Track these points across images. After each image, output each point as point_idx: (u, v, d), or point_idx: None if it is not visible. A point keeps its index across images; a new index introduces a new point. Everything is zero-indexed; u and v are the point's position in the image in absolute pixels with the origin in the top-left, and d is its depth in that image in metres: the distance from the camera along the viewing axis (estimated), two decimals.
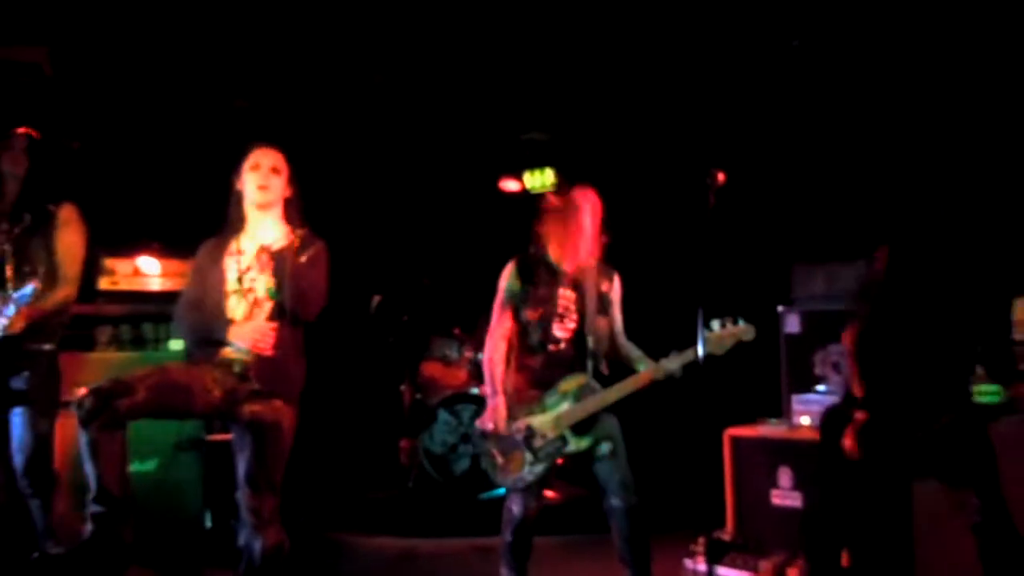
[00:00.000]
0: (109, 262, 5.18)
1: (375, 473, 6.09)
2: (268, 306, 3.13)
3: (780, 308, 4.54)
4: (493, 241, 6.28)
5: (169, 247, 5.36)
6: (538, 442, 3.32)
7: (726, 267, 4.79)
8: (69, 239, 3.67)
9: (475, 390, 5.64)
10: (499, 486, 3.48)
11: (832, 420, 3.21)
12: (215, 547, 4.66)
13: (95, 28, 4.45)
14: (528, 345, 3.43)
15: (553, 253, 3.45)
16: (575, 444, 3.30)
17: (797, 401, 4.31)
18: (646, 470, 5.30)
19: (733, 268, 5.13)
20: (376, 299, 6.03)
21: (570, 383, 3.35)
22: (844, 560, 3.80)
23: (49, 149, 3.77)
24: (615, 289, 3.51)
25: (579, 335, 3.39)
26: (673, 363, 3.26)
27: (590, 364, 3.38)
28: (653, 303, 3.43)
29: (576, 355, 3.39)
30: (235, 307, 3.15)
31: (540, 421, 3.32)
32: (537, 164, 6.41)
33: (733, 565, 4.06)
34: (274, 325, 3.04)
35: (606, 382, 3.38)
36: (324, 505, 5.46)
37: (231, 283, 3.16)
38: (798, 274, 4.64)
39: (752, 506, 4.23)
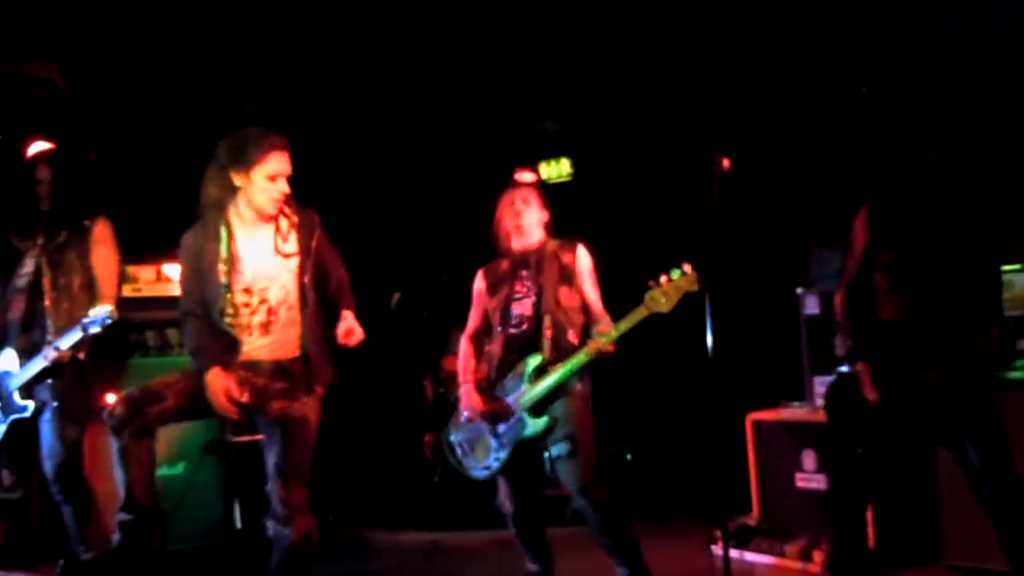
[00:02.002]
0: (132, 269, 5.24)
1: (400, 468, 6.13)
2: (286, 314, 3.13)
3: (799, 290, 4.50)
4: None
5: None
6: (500, 427, 3.39)
7: (743, 250, 4.78)
8: (106, 257, 3.74)
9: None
10: (472, 477, 3.54)
11: (836, 394, 3.18)
12: (246, 547, 4.73)
13: (107, 40, 4.50)
14: (492, 332, 3.53)
15: (506, 240, 3.56)
16: (532, 426, 3.32)
17: (819, 383, 4.27)
18: (670, 457, 5.33)
19: (751, 250, 5.11)
20: (396, 296, 6.06)
21: (526, 364, 3.37)
22: (870, 541, 3.81)
23: (70, 163, 3.83)
24: (579, 260, 3.50)
25: (539, 313, 3.41)
26: (614, 328, 3.24)
27: (546, 342, 3.36)
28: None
29: (537, 334, 3.39)
30: (247, 316, 3.09)
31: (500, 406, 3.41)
32: (552, 154, 6.40)
33: (759, 550, 4.05)
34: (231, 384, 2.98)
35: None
36: (350, 501, 5.51)
37: (239, 295, 3.08)
38: (816, 255, 4.60)
39: (777, 490, 4.21)
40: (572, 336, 3.41)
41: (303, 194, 6.05)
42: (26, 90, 4.67)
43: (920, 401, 2.93)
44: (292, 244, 3.16)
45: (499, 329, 3.50)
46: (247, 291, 3.08)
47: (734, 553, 3.99)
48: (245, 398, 3.03)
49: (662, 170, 5.62)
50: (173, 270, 5.33)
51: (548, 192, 3.78)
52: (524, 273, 3.51)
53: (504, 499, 3.45)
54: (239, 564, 4.56)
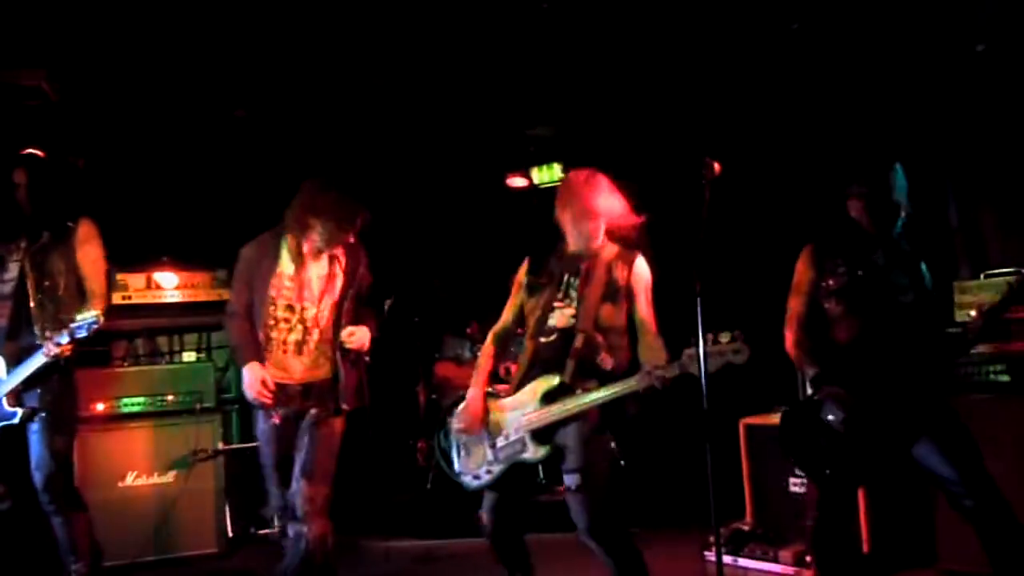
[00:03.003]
0: (121, 277, 5.23)
1: (393, 475, 6.11)
2: (319, 336, 3.49)
3: None
4: (502, 238, 6.28)
5: (178, 259, 5.40)
6: (500, 441, 3.13)
7: (734, 254, 4.77)
8: (92, 255, 3.73)
9: (489, 389, 5.63)
10: (461, 482, 3.28)
11: (789, 428, 3.17)
12: (237, 554, 4.71)
13: (95, 46, 4.47)
14: (527, 336, 3.22)
15: (566, 239, 3.25)
16: (532, 452, 3.03)
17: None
18: (663, 462, 5.31)
19: (744, 256, 5.10)
20: (388, 301, 6.04)
21: (541, 384, 3.05)
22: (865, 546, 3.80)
23: (54, 170, 3.80)
24: (635, 275, 3.13)
25: (573, 328, 3.08)
26: (647, 379, 2.91)
27: (571, 362, 3.02)
28: (664, 297, 3.36)
29: (565, 351, 3.05)
30: (284, 333, 3.47)
31: (507, 419, 3.13)
32: (544, 159, 6.39)
33: (752, 555, 4.04)
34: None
35: (612, 379, 3.03)
36: (342, 508, 5.47)
37: (281, 310, 3.49)
38: None
39: (770, 495, 4.21)
40: (604, 360, 3.05)
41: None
42: (14, 99, 4.65)
43: (887, 416, 2.93)
44: (339, 275, 3.56)
45: (531, 338, 3.17)
46: (289, 307, 3.48)
47: (727, 558, 3.99)
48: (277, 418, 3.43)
49: (653, 174, 5.61)
50: (163, 278, 5.32)
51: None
52: (571, 280, 3.15)
53: (484, 511, 3.19)
54: (230, 571, 4.54)
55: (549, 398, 3.04)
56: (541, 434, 3.04)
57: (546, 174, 6.40)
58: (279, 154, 6.05)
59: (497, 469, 3.13)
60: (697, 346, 2.83)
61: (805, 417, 3.07)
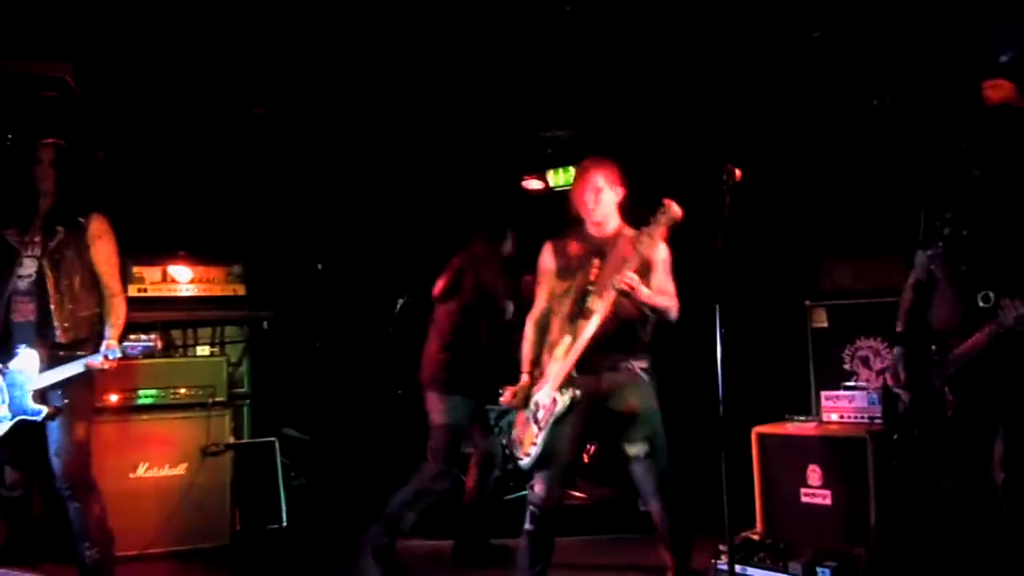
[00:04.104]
0: (137, 269, 5.26)
1: (403, 475, 6.10)
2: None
3: (808, 303, 4.48)
4: (517, 240, 6.25)
5: (194, 253, 5.43)
6: (540, 413, 3.35)
7: (753, 261, 4.75)
8: (106, 251, 3.75)
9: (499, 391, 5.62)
10: (521, 465, 3.47)
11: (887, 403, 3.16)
12: (246, 548, 4.71)
13: (117, 41, 4.50)
14: (560, 319, 3.38)
15: (584, 223, 3.46)
16: (562, 403, 3.27)
17: (826, 397, 4.25)
18: (675, 470, 5.29)
19: (760, 262, 5.08)
20: (401, 300, 6.05)
21: (562, 345, 3.31)
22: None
23: (75, 160, 3.82)
24: (656, 250, 3.32)
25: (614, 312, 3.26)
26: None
27: (611, 337, 3.23)
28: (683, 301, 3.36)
29: (617, 330, 3.26)
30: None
31: (542, 393, 3.36)
32: (561, 162, 6.38)
33: (763, 565, 4.01)
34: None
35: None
36: (353, 506, 5.48)
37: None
38: (826, 268, 4.58)
39: (781, 505, 4.18)
40: (642, 335, 3.35)
41: (313, 199, 6.05)
42: (33, 90, 4.68)
43: (942, 396, 2.87)
44: None
45: (565, 322, 3.35)
46: None
47: (737, 568, 3.96)
48: None
49: (672, 179, 5.60)
50: (179, 271, 5.35)
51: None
52: (598, 262, 3.35)
53: (537, 480, 3.36)
54: (240, 565, 4.55)
55: (564, 353, 3.30)
56: (567, 382, 3.28)
57: (562, 177, 6.39)
58: (297, 152, 6.08)
59: (542, 437, 3.32)
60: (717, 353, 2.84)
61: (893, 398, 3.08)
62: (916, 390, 2.95)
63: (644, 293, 3.18)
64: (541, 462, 3.36)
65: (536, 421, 3.37)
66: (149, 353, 3.60)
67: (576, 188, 3.45)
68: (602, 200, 3.40)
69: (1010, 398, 2.83)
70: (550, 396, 3.32)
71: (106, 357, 3.51)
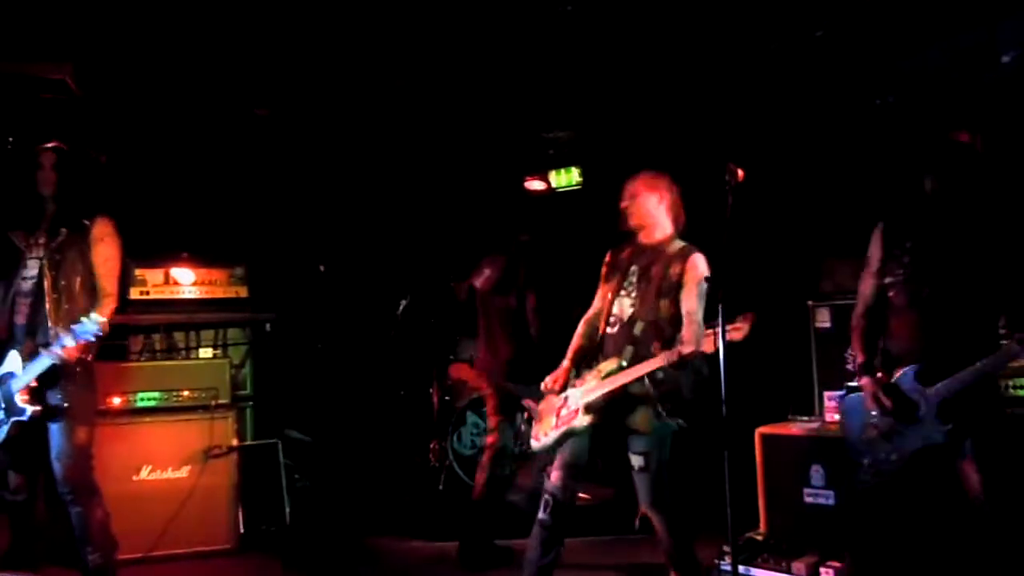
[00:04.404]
0: (139, 271, 5.27)
1: (406, 477, 6.11)
2: None
3: (810, 303, 4.47)
4: (518, 241, 6.24)
5: (196, 255, 5.42)
6: (564, 410, 3.44)
7: (755, 261, 4.75)
8: (106, 253, 3.73)
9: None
10: (531, 446, 3.61)
11: (846, 412, 3.16)
12: (249, 550, 4.72)
13: (118, 42, 4.50)
14: (602, 322, 3.51)
15: (636, 234, 3.54)
16: (579, 421, 3.37)
17: (829, 398, 4.24)
18: (677, 470, 5.29)
19: (763, 262, 5.07)
20: (403, 303, 6.04)
21: (606, 365, 3.36)
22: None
23: (77, 163, 3.82)
24: (689, 270, 3.34)
25: (633, 318, 3.38)
26: (660, 360, 3.19)
27: (630, 348, 3.32)
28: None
29: (626, 338, 3.36)
30: None
31: (574, 393, 3.45)
32: (562, 163, 6.38)
33: (766, 566, 4.00)
34: None
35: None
36: (355, 508, 5.49)
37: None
38: (828, 268, 4.57)
39: (784, 505, 4.17)
40: (655, 349, 3.30)
41: (314, 200, 6.05)
42: (34, 92, 4.68)
43: (923, 419, 2.89)
44: None
45: (604, 324, 3.47)
46: None
47: (740, 569, 3.95)
48: None
49: (674, 180, 5.60)
50: (181, 273, 5.35)
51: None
52: (635, 270, 3.46)
53: (555, 468, 3.43)
54: (242, 568, 4.55)
55: (605, 377, 3.36)
56: (591, 407, 3.35)
57: (564, 178, 6.39)
58: (299, 154, 6.08)
59: (554, 435, 3.45)
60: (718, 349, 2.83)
61: (856, 407, 3.08)
62: (899, 416, 2.95)
63: (707, 351, 3.22)
64: (551, 453, 3.49)
65: (559, 416, 3.46)
66: (99, 334, 3.44)
67: (632, 201, 3.52)
68: (639, 205, 3.48)
69: (982, 419, 2.90)
70: (577, 404, 3.39)
71: (62, 346, 3.43)
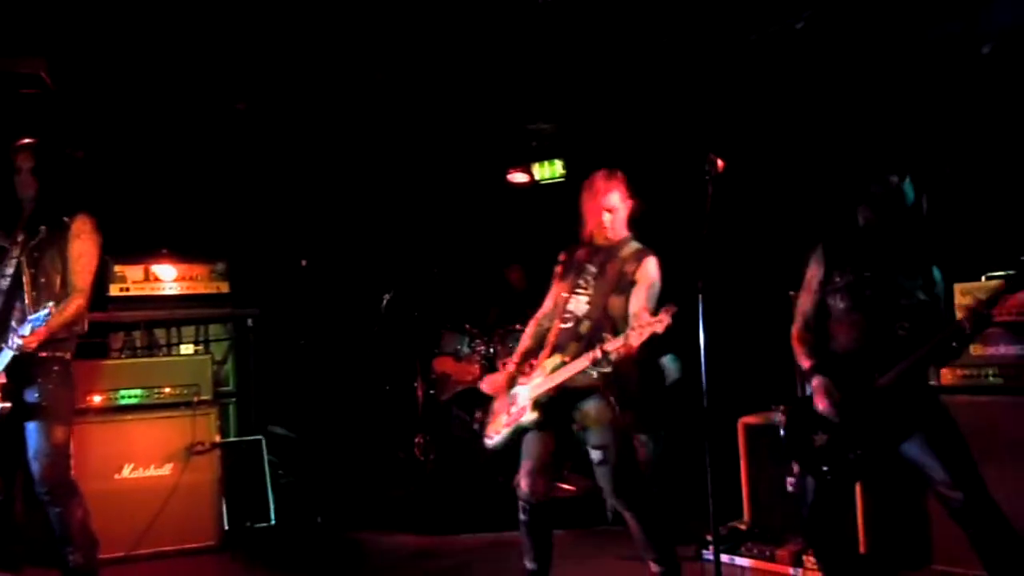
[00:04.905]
0: (119, 268, 5.23)
1: (390, 470, 6.11)
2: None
3: (792, 293, 4.48)
4: (502, 233, 6.25)
5: (176, 251, 5.39)
6: (514, 409, 3.49)
7: (737, 251, 4.76)
8: (80, 249, 3.69)
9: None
10: (486, 444, 3.62)
11: (793, 421, 3.20)
12: (233, 547, 4.70)
13: (93, 36, 4.45)
14: (556, 319, 3.52)
15: (586, 232, 3.56)
16: (528, 417, 3.41)
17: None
18: (661, 461, 5.31)
19: (744, 253, 5.09)
20: (387, 296, 6.03)
21: (550, 361, 3.39)
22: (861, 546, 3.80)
23: (54, 160, 3.79)
24: (642, 271, 3.39)
25: (585, 315, 3.40)
26: (594, 354, 3.20)
27: (575, 345, 3.33)
28: (666, 293, 3.38)
29: (575, 332, 3.38)
30: None
31: (522, 391, 3.48)
32: (545, 155, 6.38)
33: (750, 554, 4.04)
34: None
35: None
36: (339, 503, 5.47)
37: None
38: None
39: (767, 494, 4.20)
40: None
41: (295, 194, 6.01)
42: (11, 87, 4.62)
43: (876, 410, 2.94)
44: None
45: (558, 321, 3.49)
46: None
47: (724, 558, 3.98)
48: None
49: (655, 171, 5.60)
50: (162, 270, 5.32)
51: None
52: (590, 269, 3.49)
53: (521, 476, 3.46)
54: (227, 564, 4.53)
55: (551, 373, 3.38)
56: (538, 402, 3.40)
57: (547, 170, 6.39)
58: (279, 148, 6.05)
59: (506, 432, 3.50)
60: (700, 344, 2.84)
61: (803, 413, 3.10)
62: (848, 413, 3.00)
63: (633, 345, 3.16)
64: (526, 454, 3.47)
65: (509, 414, 3.50)
66: (43, 323, 3.35)
67: (590, 203, 3.51)
68: (617, 218, 3.51)
69: (927, 405, 3.00)
70: (525, 401, 3.44)
71: (21, 336, 3.38)
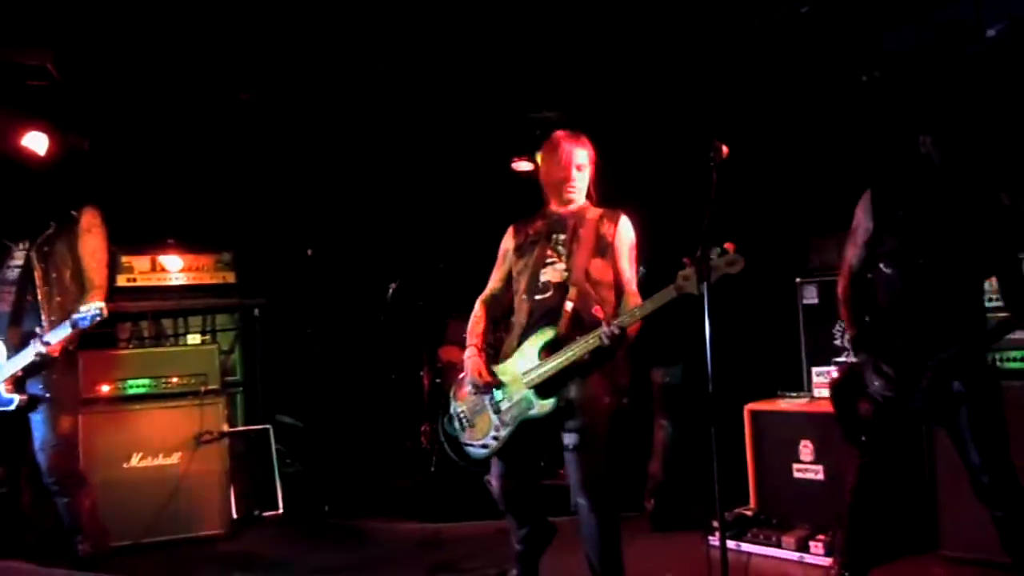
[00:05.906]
0: (126, 259, 5.25)
1: (396, 459, 6.13)
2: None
3: (798, 279, 4.48)
4: (507, 222, 6.22)
5: (183, 241, 5.41)
6: (504, 404, 3.13)
7: (742, 238, 4.74)
8: (93, 244, 3.73)
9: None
10: (469, 456, 3.28)
11: (842, 385, 3.13)
12: (241, 536, 4.73)
13: (99, 28, 4.45)
14: (518, 297, 3.24)
15: (547, 198, 3.32)
16: (538, 408, 3.05)
17: (817, 373, 4.27)
18: (666, 447, 5.31)
19: (749, 239, 5.07)
20: (392, 286, 6.04)
21: (538, 338, 3.08)
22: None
23: (62, 154, 3.81)
24: (620, 232, 3.22)
25: (566, 282, 3.14)
26: (638, 308, 2.97)
27: (566, 314, 3.06)
28: (665, 277, 3.35)
29: (560, 305, 3.09)
30: None
31: (509, 379, 3.14)
32: None
33: (756, 540, 4.04)
34: None
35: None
36: (345, 491, 5.50)
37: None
38: (815, 244, 4.58)
39: (774, 480, 4.21)
40: (598, 312, 3.06)
41: (301, 184, 6.00)
42: (18, 79, 4.63)
43: (924, 389, 2.88)
44: None
45: (524, 297, 3.19)
46: None
47: (731, 544, 3.99)
48: None
49: (660, 157, 5.59)
50: (168, 260, 5.34)
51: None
52: (559, 237, 3.21)
53: (492, 477, 3.21)
54: (235, 553, 4.56)
55: (547, 351, 3.07)
56: (542, 387, 3.06)
57: None
58: (285, 137, 6.04)
59: (505, 432, 3.13)
60: (703, 329, 2.82)
61: (851, 380, 3.04)
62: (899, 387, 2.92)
63: (630, 326, 2.99)
64: (497, 456, 3.17)
65: (499, 412, 3.15)
66: (98, 321, 3.46)
67: (553, 162, 3.25)
68: (584, 177, 3.27)
69: (978, 389, 2.89)
70: (523, 392, 3.09)
71: (46, 343, 3.45)
